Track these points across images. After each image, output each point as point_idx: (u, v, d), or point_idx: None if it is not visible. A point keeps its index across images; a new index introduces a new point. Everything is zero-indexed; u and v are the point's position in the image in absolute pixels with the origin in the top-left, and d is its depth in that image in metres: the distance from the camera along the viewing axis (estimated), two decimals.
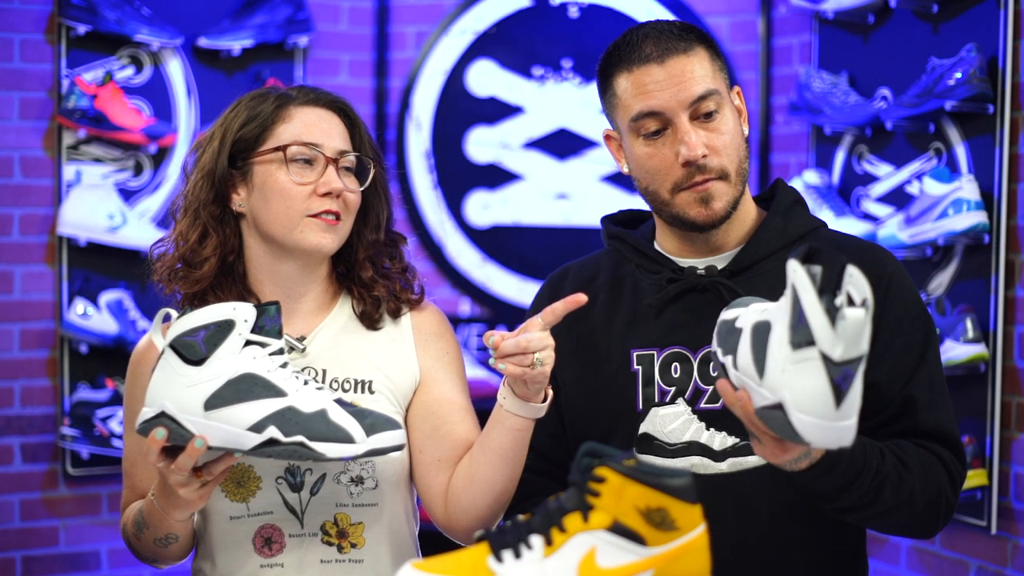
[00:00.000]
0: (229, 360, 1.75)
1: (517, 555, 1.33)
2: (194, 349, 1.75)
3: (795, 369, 1.48)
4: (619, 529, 1.33)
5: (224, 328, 1.75)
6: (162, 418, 1.75)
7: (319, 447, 1.73)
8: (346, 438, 1.73)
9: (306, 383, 1.77)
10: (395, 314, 2.06)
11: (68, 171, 3.79)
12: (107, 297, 3.79)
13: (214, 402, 1.74)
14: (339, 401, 1.78)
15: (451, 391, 2.04)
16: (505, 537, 1.35)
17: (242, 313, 1.76)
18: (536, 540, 1.34)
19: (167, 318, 1.80)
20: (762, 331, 1.56)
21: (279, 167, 1.96)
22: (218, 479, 1.81)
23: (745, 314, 1.64)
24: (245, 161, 1.98)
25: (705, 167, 1.89)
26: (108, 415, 3.74)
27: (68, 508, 3.83)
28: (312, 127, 1.98)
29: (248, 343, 1.76)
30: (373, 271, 2.05)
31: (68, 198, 3.76)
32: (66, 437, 3.73)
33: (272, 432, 1.73)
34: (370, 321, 2.05)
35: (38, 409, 3.80)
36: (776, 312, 1.55)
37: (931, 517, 1.88)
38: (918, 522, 1.88)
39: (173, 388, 1.75)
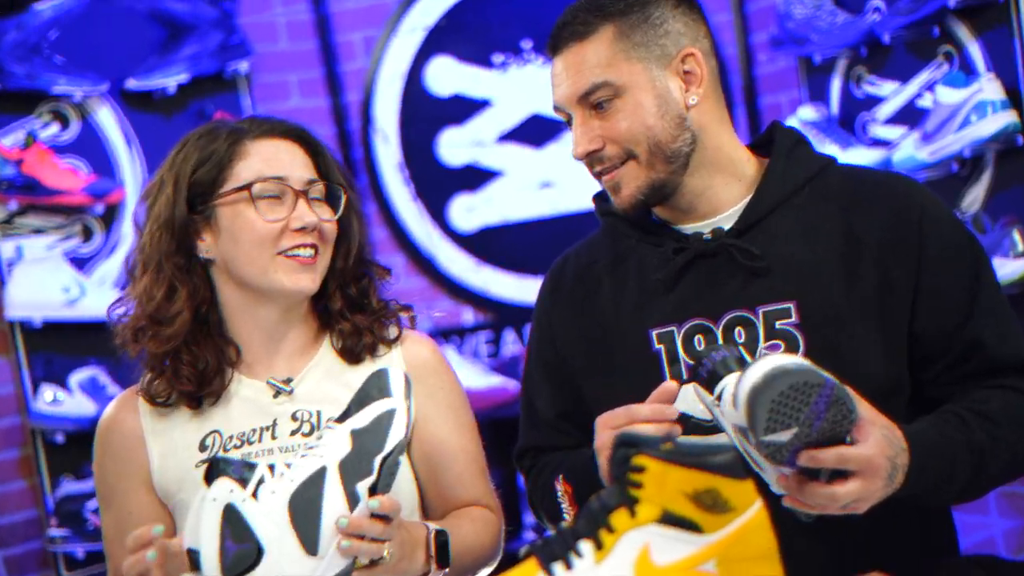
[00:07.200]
0: None
1: (568, 566, 1.33)
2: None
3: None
4: (670, 519, 1.32)
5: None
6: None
7: None
8: None
9: None
10: (372, 350, 2.03)
11: (6, 248, 3.70)
12: (78, 377, 3.71)
13: None
14: None
15: (444, 431, 2.05)
16: (553, 548, 1.35)
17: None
18: (585, 546, 1.33)
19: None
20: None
21: (246, 206, 1.94)
22: None
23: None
24: (206, 204, 1.96)
25: (602, 158, 1.93)
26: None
27: None
28: (272, 160, 1.96)
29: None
30: (344, 302, 2.03)
31: (12, 277, 3.67)
32: (55, 540, 3.63)
33: None
34: (351, 356, 2.02)
35: (17, 515, 3.66)
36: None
37: None
38: None
39: None
